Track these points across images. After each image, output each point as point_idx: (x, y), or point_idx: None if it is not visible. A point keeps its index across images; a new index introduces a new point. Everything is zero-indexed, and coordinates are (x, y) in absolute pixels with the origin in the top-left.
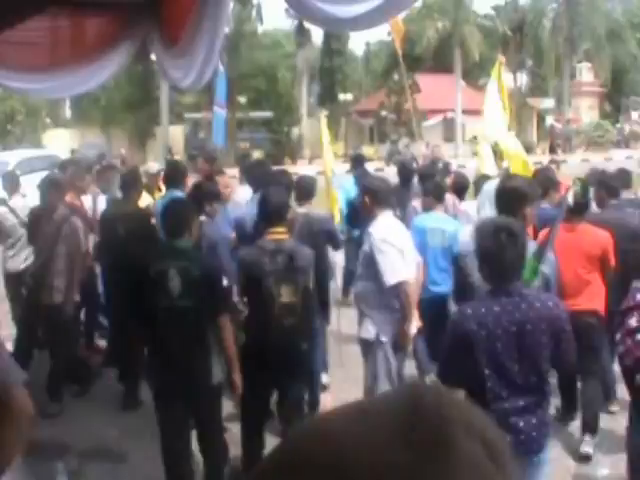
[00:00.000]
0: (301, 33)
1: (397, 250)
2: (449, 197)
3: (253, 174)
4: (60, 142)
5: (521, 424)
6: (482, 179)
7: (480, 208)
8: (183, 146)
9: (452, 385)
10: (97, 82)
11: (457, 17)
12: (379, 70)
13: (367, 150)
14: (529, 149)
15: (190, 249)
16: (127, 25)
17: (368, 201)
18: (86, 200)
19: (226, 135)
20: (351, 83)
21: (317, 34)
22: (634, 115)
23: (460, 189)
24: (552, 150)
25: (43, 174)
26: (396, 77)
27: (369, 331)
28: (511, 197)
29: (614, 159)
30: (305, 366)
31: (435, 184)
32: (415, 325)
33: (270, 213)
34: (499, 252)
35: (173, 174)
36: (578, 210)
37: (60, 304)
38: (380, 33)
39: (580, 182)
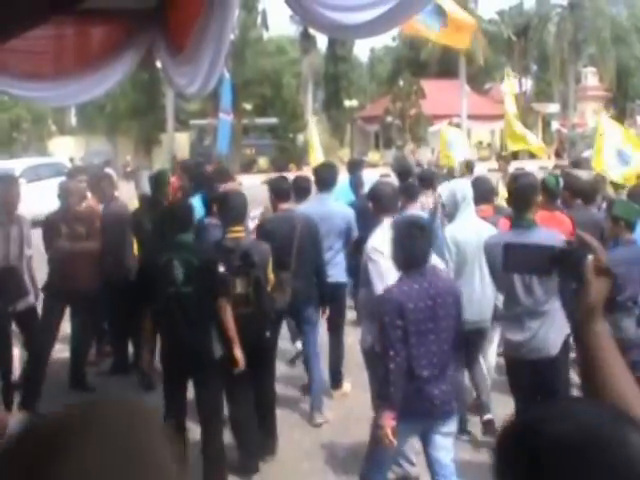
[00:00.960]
0: (306, 39)
1: (388, 259)
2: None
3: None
4: (66, 150)
5: (436, 391)
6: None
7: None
8: (189, 153)
9: (401, 359)
10: (102, 90)
11: None
12: (384, 76)
13: (373, 156)
14: (534, 154)
15: (192, 243)
16: (132, 33)
17: (373, 206)
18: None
19: (231, 142)
20: (356, 89)
21: (322, 40)
22: (639, 119)
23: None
24: (558, 155)
25: (49, 182)
26: (401, 83)
27: (366, 340)
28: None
29: None
30: (268, 352)
31: (407, 184)
32: None
33: (228, 216)
34: (412, 242)
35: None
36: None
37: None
38: (385, 39)
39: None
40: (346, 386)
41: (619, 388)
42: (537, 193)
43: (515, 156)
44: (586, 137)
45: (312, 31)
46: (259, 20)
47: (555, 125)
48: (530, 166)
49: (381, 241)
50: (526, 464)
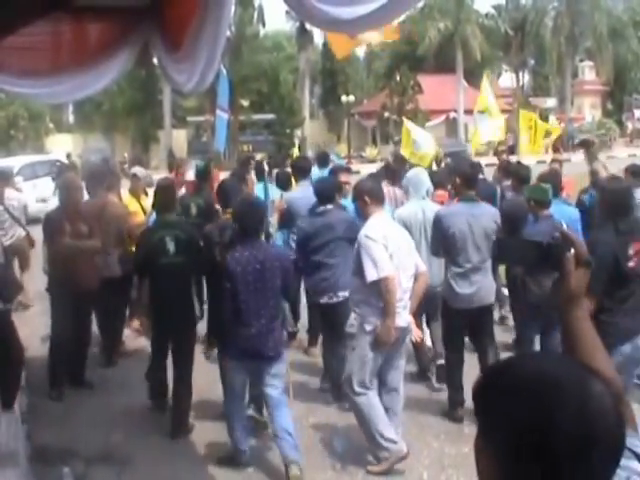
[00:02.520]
0: (302, 35)
1: (381, 246)
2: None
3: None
4: (63, 147)
5: (263, 337)
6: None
7: (405, 192)
8: (186, 149)
9: (230, 312)
10: (100, 87)
11: (458, 17)
12: (381, 71)
13: (370, 151)
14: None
15: (180, 222)
16: (129, 30)
17: (362, 201)
18: None
19: (228, 138)
20: (353, 84)
21: (319, 36)
22: (637, 113)
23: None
24: (555, 149)
25: (46, 179)
26: (398, 78)
27: (353, 325)
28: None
29: (617, 157)
30: None
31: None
32: (403, 321)
33: (224, 200)
34: (247, 217)
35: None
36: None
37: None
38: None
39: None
40: None
41: (594, 362)
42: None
43: (512, 151)
44: (583, 131)
45: (309, 27)
46: (255, 16)
47: (552, 119)
48: (527, 160)
49: (375, 230)
50: (495, 402)
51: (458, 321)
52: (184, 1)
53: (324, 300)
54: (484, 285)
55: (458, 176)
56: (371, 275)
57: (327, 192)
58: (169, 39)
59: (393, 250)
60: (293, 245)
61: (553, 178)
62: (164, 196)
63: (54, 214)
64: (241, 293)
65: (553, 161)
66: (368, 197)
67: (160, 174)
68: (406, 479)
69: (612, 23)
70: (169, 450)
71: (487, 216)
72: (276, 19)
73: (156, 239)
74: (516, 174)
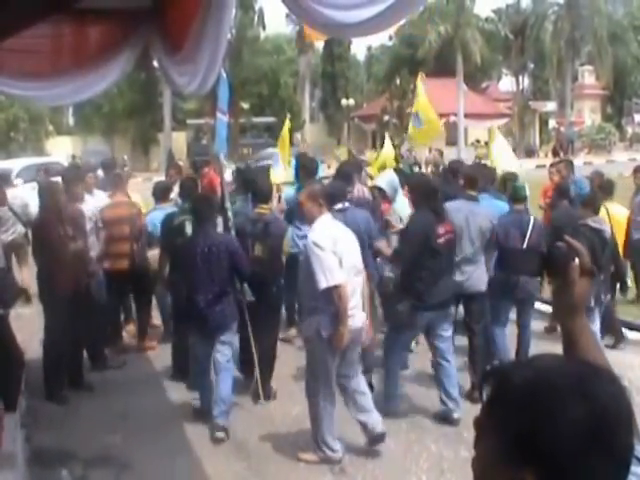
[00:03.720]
0: (303, 38)
1: (330, 254)
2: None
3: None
4: (63, 149)
5: (210, 310)
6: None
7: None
8: (186, 152)
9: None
10: (100, 89)
11: (458, 21)
12: (381, 75)
13: (370, 155)
14: (531, 152)
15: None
16: (129, 32)
17: (313, 203)
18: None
19: (229, 141)
20: (353, 88)
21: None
22: (637, 117)
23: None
24: (555, 153)
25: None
26: (398, 82)
27: (308, 330)
28: None
29: (617, 161)
30: (272, 305)
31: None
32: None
33: (257, 196)
34: (202, 209)
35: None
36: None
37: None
38: (382, 38)
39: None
40: None
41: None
42: None
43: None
44: (583, 135)
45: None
46: (256, 19)
47: (552, 123)
48: (528, 164)
49: (323, 236)
50: (499, 402)
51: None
52: (185, 4)
53: None
54: (475, 275)
55: (462, 177)
56: (322, 283)
57: (340, 190)
58: (170, 41)
59: (342, 253)
60: (298, 241)
61: (478, 171)
62: (188, 188)
63: (40, 221)
64: (191, 274)
65: (552, 165)
66: (323, 200)
67: (160, 176)
68: None
69: (612, 27)
70: (168, 452)
71: (484, 215)
72: (276, 22)
73: (177, 223)
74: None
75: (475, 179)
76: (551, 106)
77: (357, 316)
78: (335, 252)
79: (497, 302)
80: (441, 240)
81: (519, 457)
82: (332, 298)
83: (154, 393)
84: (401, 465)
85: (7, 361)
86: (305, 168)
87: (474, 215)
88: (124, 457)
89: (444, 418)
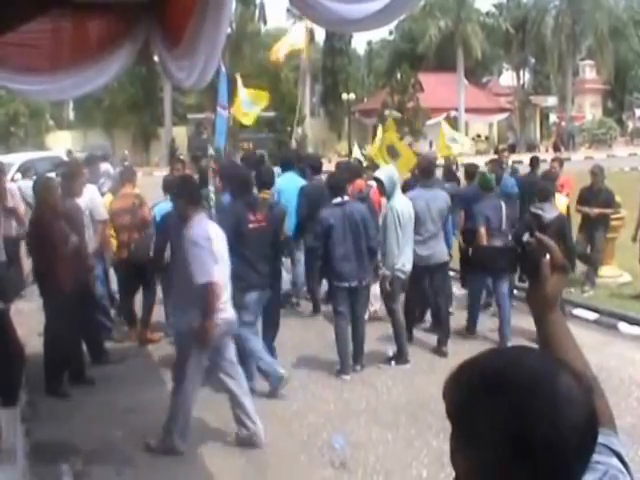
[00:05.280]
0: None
1: (207, 252)
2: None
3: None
4: (63, 144)
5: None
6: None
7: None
8: (186, 147)
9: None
10: (100, 84)
11: (459, 15)
12: (382, 69)
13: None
14: (532, 147)
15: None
16: (129, 26)
17: (182, 202)
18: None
19: (228, 135)
20: (354, 82)
21: (320, 33)
22: (638, 112)
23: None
24: (556, 148)
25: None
26: (399, 76)
27: (180, 324)
28: None
29: (617, 156)
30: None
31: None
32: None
33: (261, 182)
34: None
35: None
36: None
37: None
38: (382, 32)
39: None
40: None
41: (567, 358)
42: None
43: (512, 150)
44: (584, 130)
45: (310, 24)
46: (257, 14)
47: (553, 118)
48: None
49: (202, 233)
50: (465, 392)
51: (421, 274)
52: None
53: (353, 284)
54: (437, 249)
55: (418, 169)
56: (199, 278)
57: (340, 184)
58: (169, 35)
59: (217, 248)
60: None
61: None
62: (202, 178)
63: (35, 218)
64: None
65: (554, 160)
66: (189, 199)
67: (161, 171)
68: (406, 478)
69: (613, 22)
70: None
71: (440, 199)
72: (277, 16)
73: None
74: (422, 167)
75: (430, 170)
76: (552, 101)
77: (227, 309)
78: (211, 250)
79: (473, 276)
80: (251, 225)
81: (499, 450)
82: (203, 293)
83: (155, 387)
84: (402, 460)
85: (7, 355)
86: (310, 166)
87: (434, 200)
88: (125, 452)
89: None
